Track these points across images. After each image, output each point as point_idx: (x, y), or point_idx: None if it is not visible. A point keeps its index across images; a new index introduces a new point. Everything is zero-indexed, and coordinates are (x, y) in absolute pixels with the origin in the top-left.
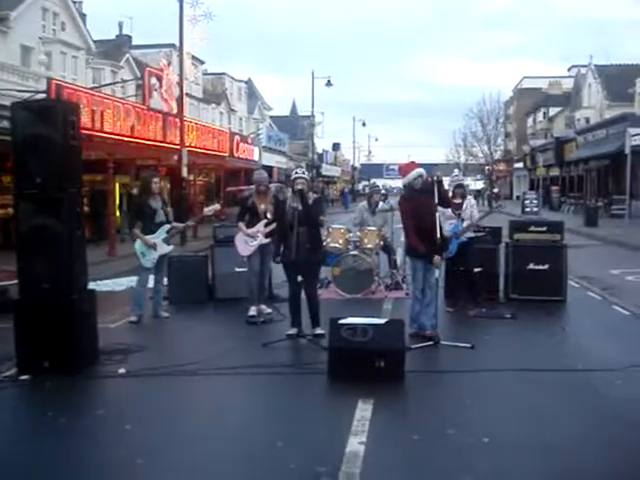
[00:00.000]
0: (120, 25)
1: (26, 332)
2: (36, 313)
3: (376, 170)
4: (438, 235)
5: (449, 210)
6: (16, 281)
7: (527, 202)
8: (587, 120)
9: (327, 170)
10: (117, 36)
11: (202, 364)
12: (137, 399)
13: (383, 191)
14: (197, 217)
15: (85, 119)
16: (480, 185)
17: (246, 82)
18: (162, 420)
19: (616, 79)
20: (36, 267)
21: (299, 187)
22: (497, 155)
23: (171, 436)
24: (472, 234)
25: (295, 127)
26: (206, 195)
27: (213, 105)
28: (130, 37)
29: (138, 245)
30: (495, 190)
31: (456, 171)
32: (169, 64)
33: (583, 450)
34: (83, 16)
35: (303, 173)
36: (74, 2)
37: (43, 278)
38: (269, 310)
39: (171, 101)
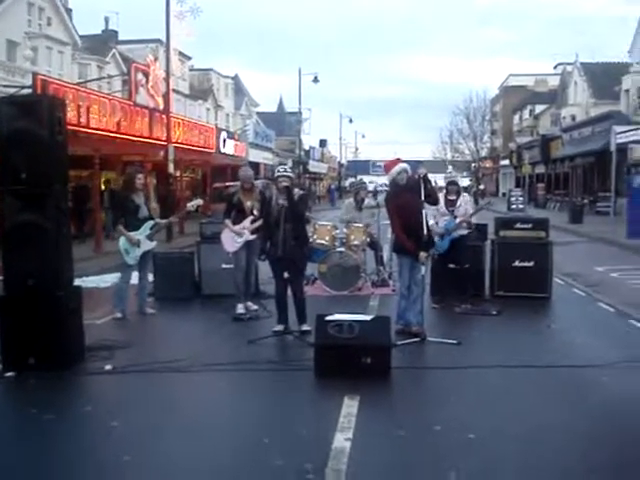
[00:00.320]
0: (106, 20)
1: (11, 329)
2: (21, 309)
3: (363, 167)
4: (425, 232)
5: (443, 207)
6: (1, 277)
7: (513, 199)
8: (573, 118)
9: (314, 167)
10: (103, 31)
11: (188, 360)
12: (124, 396)
13: (371, 187)
14: (180, 213)
15: (71, 115)
16: (466, 182)
17: (233, 78)
18: (149, 417)
19: (602, 77)
20: (22, 263)
21: (284, 184)
22: (483, 152)
23: (158, 433)
24: (464, 231)
25: (282, 123)
26: (192, 191)
27: (200, 101)
28: (116, 32)
29: (122, 242)
30: (481, 187)
31: (450, 168)
32: (156, 60)
33: (569, 446)
34: (69, 11)
35: (285, 171)
36: None
37: (29, 274)
38: (255, 307)
39: (157, 97)
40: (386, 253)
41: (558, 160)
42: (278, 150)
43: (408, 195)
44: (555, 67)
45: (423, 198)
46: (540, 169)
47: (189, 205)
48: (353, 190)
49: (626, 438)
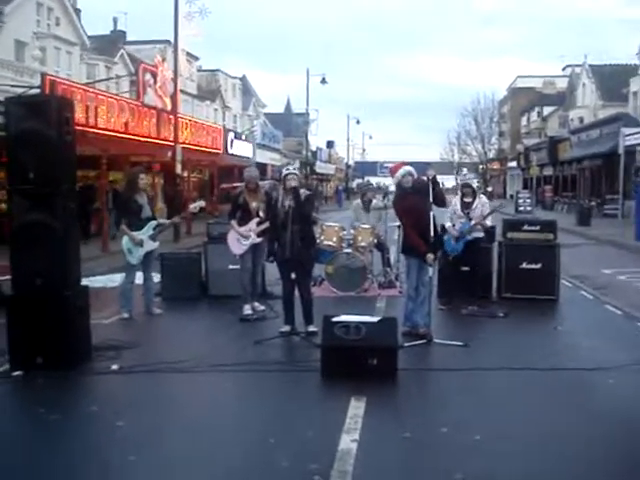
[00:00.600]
0: (115, 21)
1: (19, 328)
2: (29, 309)
3: (370, 168)
4: (432, 234)
5: (459, 209)
6: (9, 277)
7: (520, 201)
8: (581, 120)
9: (321, 168)
10: (111, 32)
11: (195, 361)
12: (130, 396)
13: (379, 187)
14: (183, 214)
15: (79, 115)
16: (474, 184)
17: (240, 79)
18: (155, 417)
19: (610, 79)
20: (29, 263)
21: (292, 184)
22: (491, 154)
23: (164, 433)
24: (480, 233)
25: (289, 124)
26: (200, 192)
27: (207, 102)
28: (125, 33)
29: (125, 242)
30: (489, 189)
31: (465, 170)
32: (164, 60)
33: (576, 449)
34: (78, 11)
35: (294, 169)
36: None
37: (37, 274)
38: (262, 307)
39: (165, 97)
40: (393, 254)
41: (566, 162)
42: (285, 151)
43: (415, 197)
44: (563, 69)
45: (432, 200)
46: (548, 171)
47: (192, 207)
48: (360, 191)
49: (633, 441)
